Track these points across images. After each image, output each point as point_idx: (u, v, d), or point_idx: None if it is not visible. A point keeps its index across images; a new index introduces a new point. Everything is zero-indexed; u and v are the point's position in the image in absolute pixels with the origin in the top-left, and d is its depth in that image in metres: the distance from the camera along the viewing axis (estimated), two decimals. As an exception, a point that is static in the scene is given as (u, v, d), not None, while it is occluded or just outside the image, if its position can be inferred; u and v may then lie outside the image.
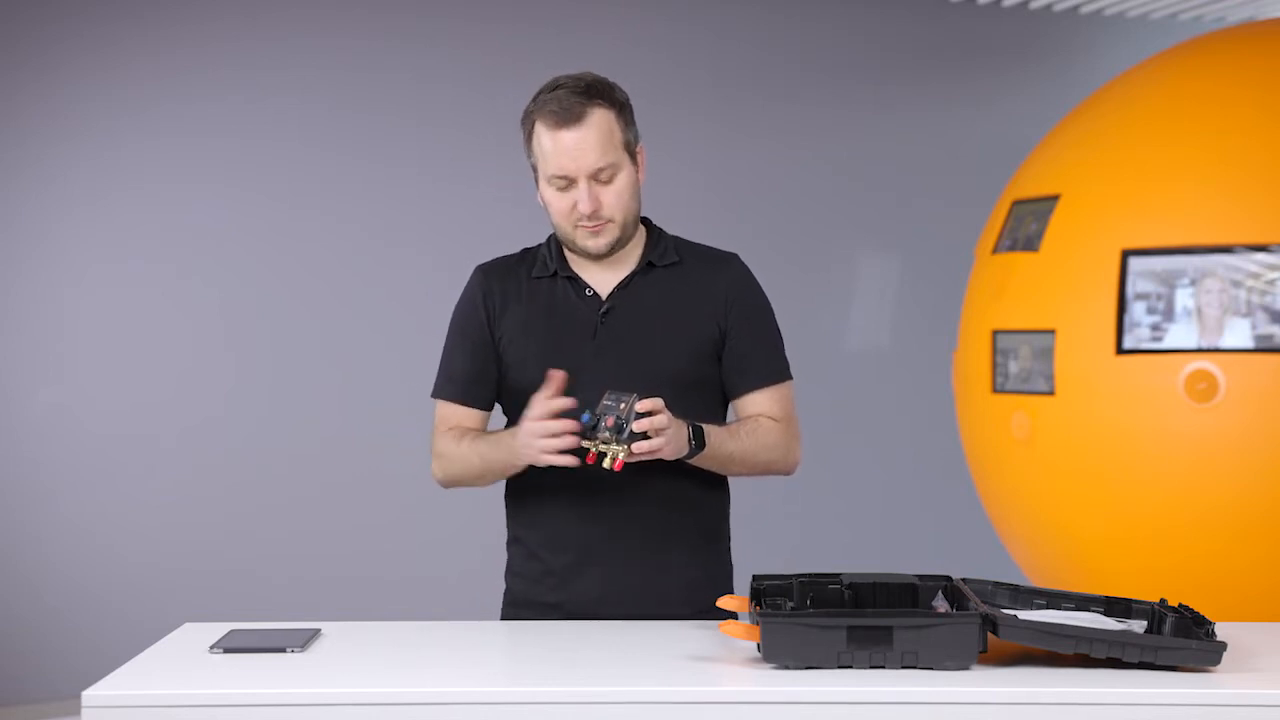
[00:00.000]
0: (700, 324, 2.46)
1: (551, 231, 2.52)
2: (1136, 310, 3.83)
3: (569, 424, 2.25)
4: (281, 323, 5.32)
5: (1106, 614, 2.22)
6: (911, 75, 6.20)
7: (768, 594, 2.22)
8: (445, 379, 2.55)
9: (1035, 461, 4.11)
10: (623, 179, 2.39)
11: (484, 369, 2.50)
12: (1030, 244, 4.13)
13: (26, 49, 4.99)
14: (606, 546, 2.44)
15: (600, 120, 2.36)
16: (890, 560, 3.20)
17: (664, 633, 2.28)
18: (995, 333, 4.21)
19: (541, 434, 2.27)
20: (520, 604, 2.51)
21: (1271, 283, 3.72)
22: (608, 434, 2.21)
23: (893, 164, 6.11)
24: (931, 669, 2.01)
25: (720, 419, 2.51)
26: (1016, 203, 4.29)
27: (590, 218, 2.38)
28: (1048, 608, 2.25)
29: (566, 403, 2.27)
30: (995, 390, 4.20)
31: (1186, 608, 2.16)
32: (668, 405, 2.30)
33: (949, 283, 5.07)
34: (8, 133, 4.98)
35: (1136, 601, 2.22)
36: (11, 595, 5.00)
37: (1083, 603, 2.25)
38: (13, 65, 4.97)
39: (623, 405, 2.22)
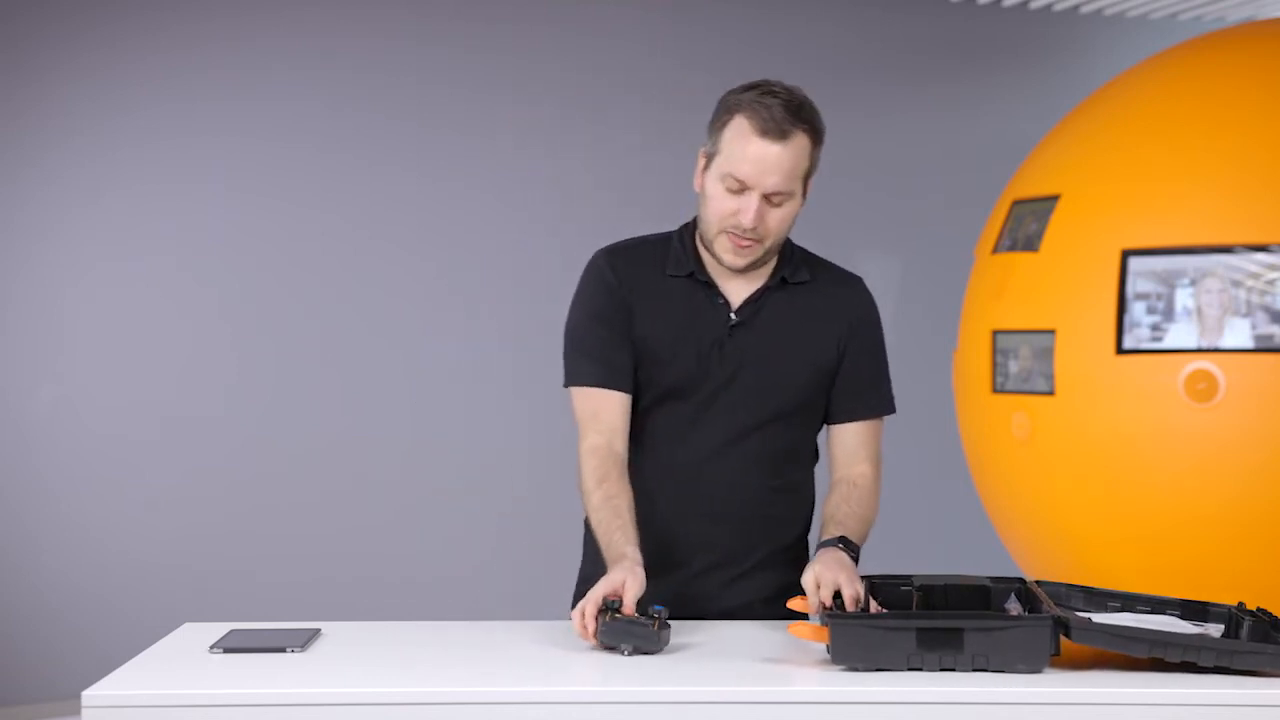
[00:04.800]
0: (823, 346, 2.44)
1: (683, 225, 2.47)
2: (1136, 310, 3.83)
3: (589, 623, 2.14)
4: (282, 323, 5.32)
5: (1182, 617, 2.19)
6: (911, 75, 6.20)
7: (836, 595, 2.20)
8: (585, 363, 2.42)
9: (1035, 461, 4.11)
10: (789, 207, 2.35)
11: (624, 350, 2.41)
12: (1030, 244, 4.13)
13: (26, 49, 4.99)
14: (702, 555, 2.44)
15: (799, 145, 2.31)
16: (890, 560, 3.19)
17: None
18: (995, 333, 4.21)
19: (579, 616, 2.17)
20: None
21: (1271, 283, 3.72)
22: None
23: (893, 164, 6.11)
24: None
25: (813, 439, 2.50)
26: (1016, 203, 4.29)
27: (747, 232, 2.32)
28: (1122, 610, 2.23)
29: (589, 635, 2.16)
30: (995, 390, 4.20)
31: (1265, 611, 2.14)
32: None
33: (949, 283, 5.07)
34: (8, 133, 4.98)
35: (1213, 604, 2.19)
36: (11, 595, 5.00)
37: (1158, 605, 2.22)
38: (12, 65, 4.97)
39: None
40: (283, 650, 2.14)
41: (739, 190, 2.31)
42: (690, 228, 2.48)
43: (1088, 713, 1.92)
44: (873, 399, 2.48)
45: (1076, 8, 6.36)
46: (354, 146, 5.38)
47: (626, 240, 2.51)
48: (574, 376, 2.44)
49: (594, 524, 2.35)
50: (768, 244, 2.37)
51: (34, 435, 5.03)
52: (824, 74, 6.16)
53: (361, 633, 2.30)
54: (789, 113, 2.29)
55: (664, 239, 2.49)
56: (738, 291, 2.43)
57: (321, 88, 5.34)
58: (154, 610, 4.75)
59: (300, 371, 5.34)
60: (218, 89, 5.20)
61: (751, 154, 2.29)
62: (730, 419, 2.40)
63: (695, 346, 2.40)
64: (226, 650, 2.14)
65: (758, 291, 2.42)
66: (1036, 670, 1.99)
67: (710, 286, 2.42)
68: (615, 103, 5.75)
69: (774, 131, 2.28)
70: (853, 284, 2.51)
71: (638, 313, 2.42)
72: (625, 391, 2.41)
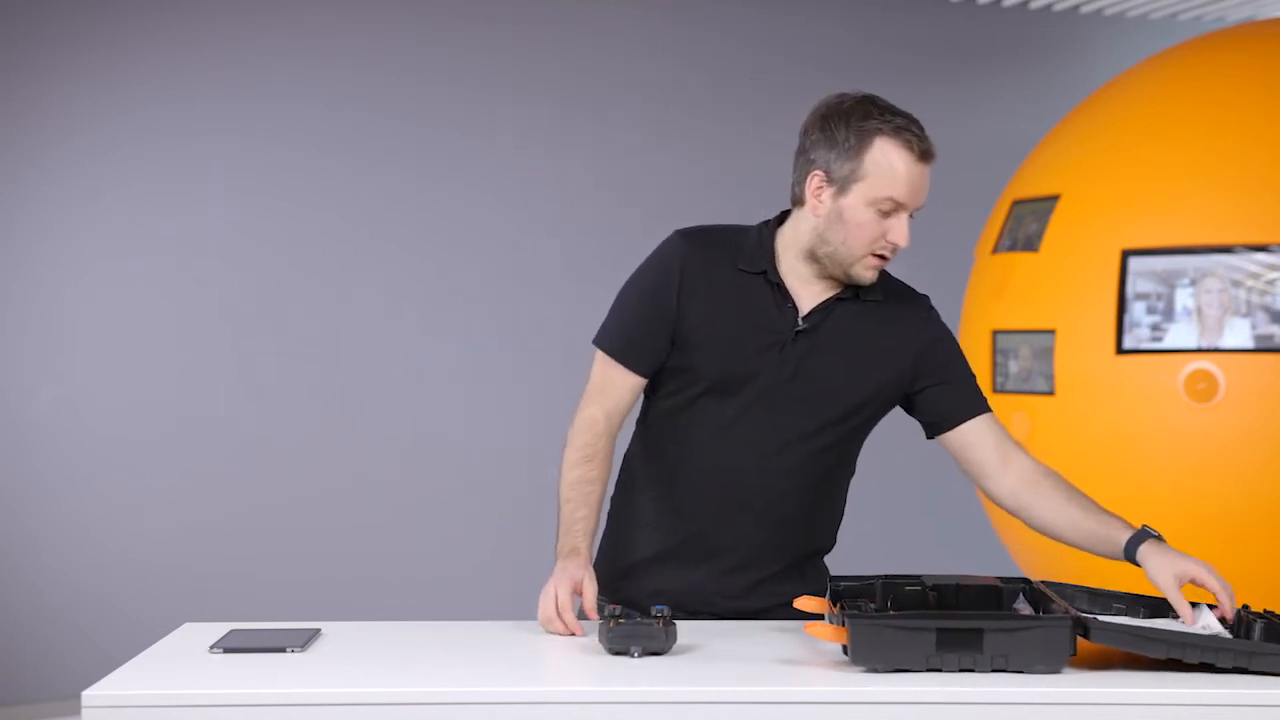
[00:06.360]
0: (890, 365, 2.43)
1: (763, 222, 2.46)
2: (1136, 310, 3.83)
3: (575, 629, 2.24)
4: (282, 323, 5.32)
5: None
6: (911, 75, 6.19)
7: (847, 595, 2.18)
8: (614, 331, 2.45)
9: (1035, 461, 4.11)
10: None
11: (656, 338, 2.41)
12: (1030, 244, 4.13)
13: (26, 49, 4.99)
14: (731, 554, 2.43)
15: None
16: (890, 560, 3.20)
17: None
18: (995, 333, 4.21)
19: (550, 613, 2.24)
20: (622, 576, 2.48)
21: (1271, 283, 3.72)
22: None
23: (893, 164, 6.11)
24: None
25: (855, 455, 2.52)
26: (1016, 203, 4.29)
27: (892, 251, 2.35)
28: (1126, 612, 2.23)
29: (578, 629, 2.25)
30: (995, 390, 4.20)
31: (1272, 613, 2.14)
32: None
33: (949, 283, 5.06)
34: (8, 133, 4.98)
35: (1214, 606, 2.19)
36: (11, 595, 5.00)
37: (1161, 606, 2.22)
38: (12, 65, 4.97)
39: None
40: (283, 650, 2.14)
41: (892, 211, 2.32)
42: (770, 225, 2.45)
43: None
44: (981, 397, 2.50)
45: (1076, 8, 6.36)
46: (354, 146, 5.38)
47: (707, 226, 2.50)
48: (602, 338, 2.46)
49: (561, 499, 2.40)
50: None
51: (34, 435, 5.03)
52: (824, 74, 6.14)
53: (361, 633, 2.30)
54: (922, 129, 2.33)
55: (743, 231, 2.47)
56: (808, 296, 2.41)
57: (321, 88, 5.34)
58: (154, 610, 4.75)
59: (300, 371, 5.34)
60: (218, 89, 5.20)
61: (913, 175, 2.31)
62: (779, 422, 2.39)
63: (755, 345, 2.38)
64: (226, 650, 2.14)
65: (828, 301, 2.41)
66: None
67: (780, 289, 2.40)
68: (615, 103, 5.74)
69: (926, 154, 2.32)
70: (921, 302, 2.52)
71: (695, 299, 2.40)
72: (641, 375, 2.43)
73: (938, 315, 2.53)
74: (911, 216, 2.35)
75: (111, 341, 5.12)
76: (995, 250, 4.32)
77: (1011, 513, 2.48)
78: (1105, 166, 4.07)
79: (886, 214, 2.32)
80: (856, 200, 2.32)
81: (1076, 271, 3.97)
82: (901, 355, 2.44)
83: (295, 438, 5.32)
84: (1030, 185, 4.29)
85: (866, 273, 2.37)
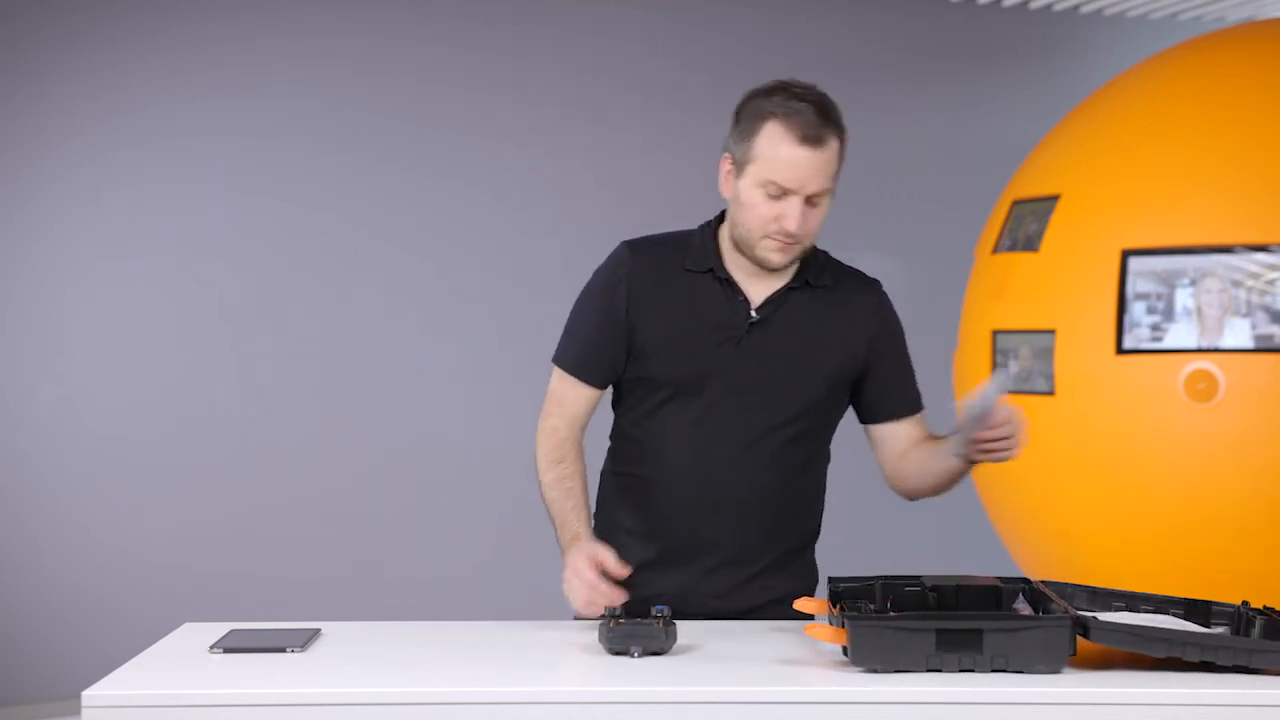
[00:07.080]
0: (845, 349, 2.45)
1: (704, 223, 2.48)
2: (1136, 310, 3.83)
3: (617, 596, 2.25)
4: (282, 323, 5.32)
5: (1185, 616, 2.20)
6: (911, 75, 6.20)
7: (847, 596, 2.19)
8: (570, 347, 2.51)
9: (1035, 461, 4.11)
10: (824, 204, 2.36)
11: (611, 348, 2.45)
12: (1030, 244, 4.13)
13: (26, 49, 4.99)
14: (714, 554, 2.44)
15: (833, 148, 2.33)
16: (891, 559, 3.20)
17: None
18: (995, 333, 4.21)
19: (587, 589, 2.27)
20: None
21: (1271, 283, 3.72)
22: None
23: (893, 164, 6.11)
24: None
25: (827, 441, 2.52)
26: (1016, 203, 4.29)
27: (789, 235, 2.33)
28: (1125, 610, 2.23)
29: (620, 596, 2.26)
30: (995, 390, 4.20)
31: (1272, 609, 2.14)
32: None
33: (949, 283, 5.07)
34: (8, 133, 4.98)
35: (1216, 604, 2.19)
36: (11, 595, 5.00)
37: (1161, 605, 2.23)
38: (12, 65, 4.97)
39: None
40: (283, 650, 2.14)
41: (780, 195, 2.32)
42: (713, 224, 2.48)
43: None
44: (914, 394, 2.53)
45: (1076, 8, 6.36)
46: (354, 146, 5.38)
47: (652, 235, 2.52)
48: (559, 355, 2.53)
49: (547, 502, 2.45)
50: (806, 242, 2.39)
51: (34, 435, 5.03)
52: (824, 74, 6.12)
53: (361, 633, 2.30)
54: (820, 116, 2.31)
55: (688, 233, 2.49)
56: (758, 291, 2.43)
57: (321, 88, 5.34)
58: (154, 610, 4.75)
59: (300, 372, 5.34)
60: (218, 89, 5.20)
61: (796, 161, 2.30)
62: (745, 416, 2.41)
63: (710, 341, 2.40)
64: (226, 650, 2.14)
65: (779, 291, 2.42)
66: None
67: (729, 284, 2.42)
68: (615, 103, 5.75)
69: (814, 138, 2.30)
70: (874, 288, 2.53)
71: (646, 306, 2.42)
72: (597, 388, 2.50)
73: (890, 302, 2.54)
74: (813, 204, 2.33)
75: (111, 341, 5.12)
76: (995, 250, 4.32)
77: (904, 494, 2.54)
78: (1105, 166, 4.06)
79: (775, 198, 2.32)
80: (749, 182, 2.34)
81: (1076, 271, 3.97)
82: (854, 340, 2.46)
83: (295, 438, 5.32)
84: (1030, 185, 4.28)
85: (771, 255, 2.37)
